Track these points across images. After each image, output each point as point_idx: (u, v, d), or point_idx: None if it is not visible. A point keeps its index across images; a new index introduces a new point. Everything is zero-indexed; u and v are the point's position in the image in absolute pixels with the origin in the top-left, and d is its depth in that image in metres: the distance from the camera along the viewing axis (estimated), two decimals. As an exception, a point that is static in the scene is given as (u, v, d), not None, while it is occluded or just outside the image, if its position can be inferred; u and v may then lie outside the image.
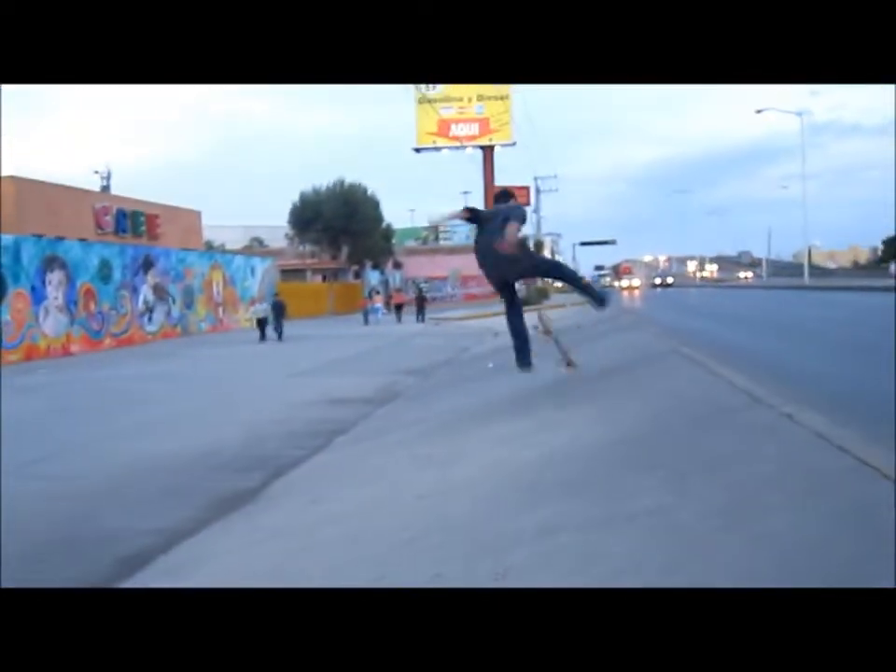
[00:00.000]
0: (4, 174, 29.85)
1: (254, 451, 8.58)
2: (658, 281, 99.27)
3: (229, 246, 55.37)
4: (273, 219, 59.34)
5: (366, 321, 36.80)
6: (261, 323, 28.44)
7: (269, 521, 5.91)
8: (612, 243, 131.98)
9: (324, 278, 56.60)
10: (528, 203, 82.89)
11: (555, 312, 32.78)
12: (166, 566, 5.15)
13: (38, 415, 11.94)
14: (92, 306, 26.06)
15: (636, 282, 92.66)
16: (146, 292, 29.47)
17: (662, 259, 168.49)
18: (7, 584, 5.03)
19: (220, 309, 35.65)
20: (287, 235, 54.09)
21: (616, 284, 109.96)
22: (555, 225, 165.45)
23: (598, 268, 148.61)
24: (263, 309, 29.56)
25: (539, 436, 6.51)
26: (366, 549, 4.48)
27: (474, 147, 75.94)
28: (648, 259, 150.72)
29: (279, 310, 28.89)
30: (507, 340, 19.75)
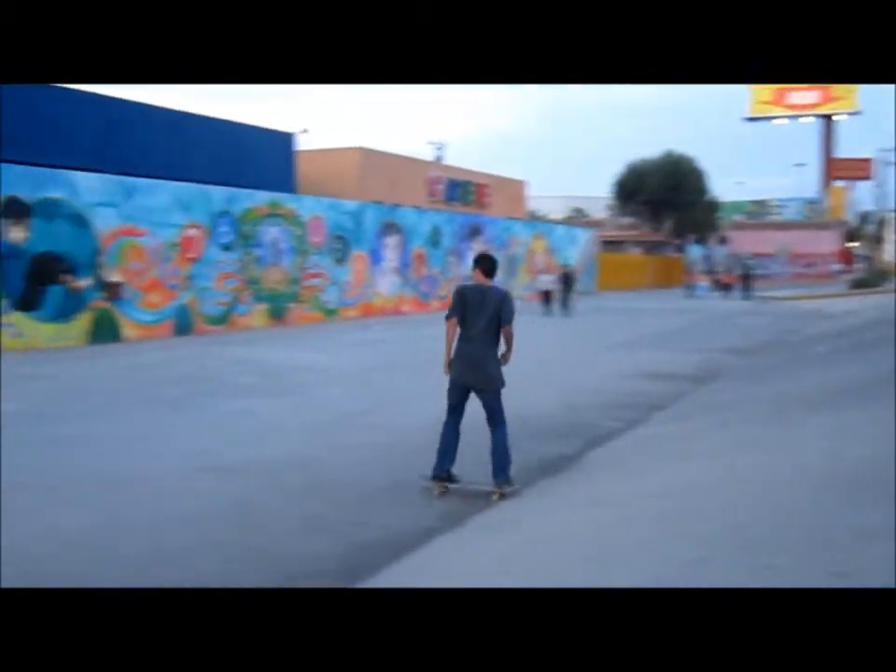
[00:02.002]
0: (353, 144, 32.31)
1: (572, 419, 8.65)
2: None
3: (551, 217, 56.19)
4: (594, 190, 59.39)
5: (690, 295, 35.85)
6: (546, 296, 25.78)
7: (586, 488, 5.93)
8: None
9: (644, 250, 55.82)
10: (868, 177, 75.99)
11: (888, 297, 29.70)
12: (488, 521, 5.33)
13: (369, 369, 12.85)
14: (423, 270, 27.59)
15: None
16: (472, 258, 30.44)
17: None
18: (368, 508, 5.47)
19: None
20: (608, 206, 53.86)
21: None
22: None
23: None
24: (549, 280, 26.58)
25: (870, 430, 5.95)
26: (685, 527, 4.34)
27: (813, 116, 70.91)
28: None
29: (568, 283, 26.31)
30: (837, 323, 18.29)
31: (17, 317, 15.39)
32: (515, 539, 4.84)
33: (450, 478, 6.24)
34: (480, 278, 6.47)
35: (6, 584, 4.11)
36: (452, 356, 6.29)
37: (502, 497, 5.97)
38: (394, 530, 5.26)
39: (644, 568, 3.65)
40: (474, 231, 30.86)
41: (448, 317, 6.28)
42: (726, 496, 4.88)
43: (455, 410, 6.31)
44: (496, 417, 6.22)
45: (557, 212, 61.95)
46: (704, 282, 40.05)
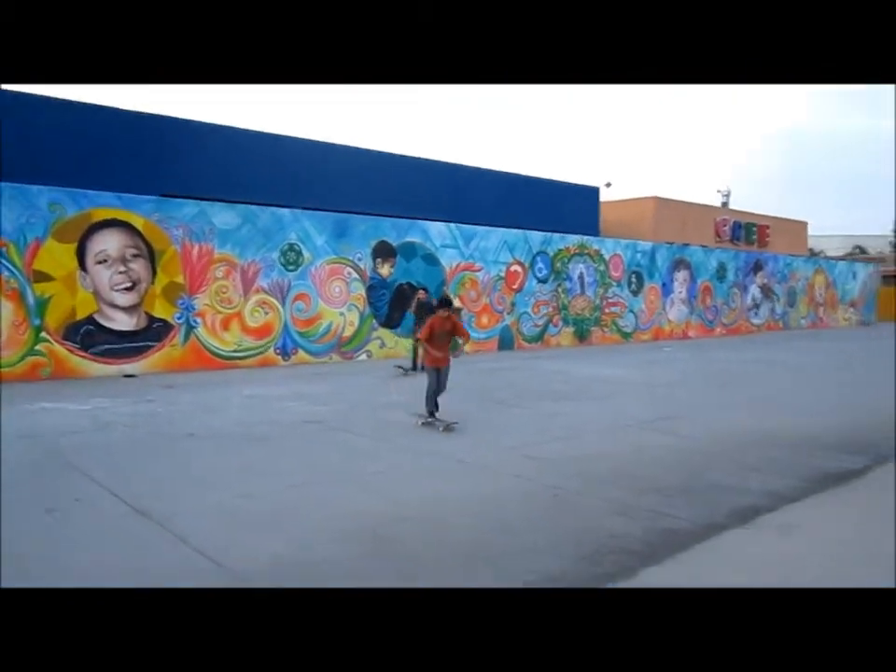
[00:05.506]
0: (649, 194, 31.74)
1: (855, 436, 7.79)
2: None
3: (830, 254, 51.23)
4: (876, 229, 53.22)
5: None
6: None
7: (870, 501, 5.30)
8: None
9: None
10: None
11: None
12: (776, 522, 4.94)
13: (661, 383, 12.44)
14: (708, 300, 26.43)
15: None
16: (754, 291, 28.85)
17: None
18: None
19: (821, 309, 33.22)
20: (891, 242, 48.08)
21: None
22: None
23: None
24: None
25: None
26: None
27: None
28: None
29: None
30: None
31: (382, 332, 16.88)
32: (798, 540, 4.44)
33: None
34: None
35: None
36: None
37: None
38: (688, 521, 5.04)
39: None
40: (757, 267, 28.99)
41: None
42: None
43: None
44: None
45: (838, 250, 56.32)
46: None
